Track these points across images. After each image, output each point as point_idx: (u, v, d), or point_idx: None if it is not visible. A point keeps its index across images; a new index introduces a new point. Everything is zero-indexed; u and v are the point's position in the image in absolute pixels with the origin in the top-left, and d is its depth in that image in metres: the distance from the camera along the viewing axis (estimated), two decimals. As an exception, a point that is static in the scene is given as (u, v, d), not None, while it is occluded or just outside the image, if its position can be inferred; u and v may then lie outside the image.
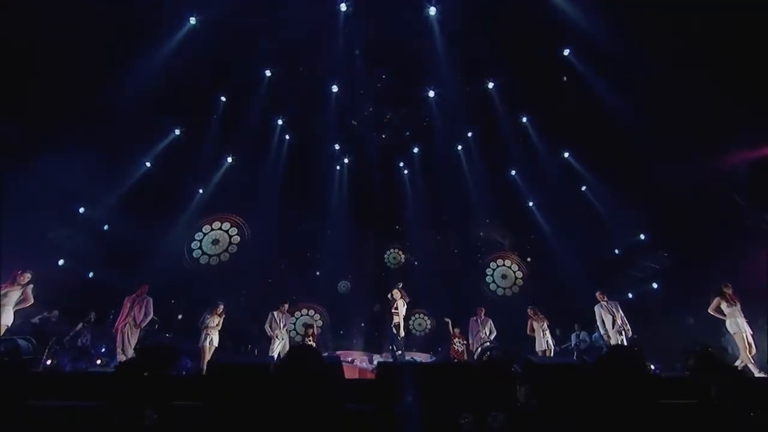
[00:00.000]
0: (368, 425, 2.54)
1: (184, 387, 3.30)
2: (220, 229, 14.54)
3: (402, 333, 7.51)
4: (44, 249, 10.70)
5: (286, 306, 8.49)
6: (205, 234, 14.33)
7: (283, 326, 8.04)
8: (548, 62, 11.12)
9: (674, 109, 10.03)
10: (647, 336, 11.48)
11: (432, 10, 9.35)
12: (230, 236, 14.48)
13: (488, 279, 15.16)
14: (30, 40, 8.22)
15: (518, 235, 15.27)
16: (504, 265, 15.23)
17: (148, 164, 12.41)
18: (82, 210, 11.53)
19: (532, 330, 8.81)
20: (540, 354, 8.43)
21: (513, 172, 14.18)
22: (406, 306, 7.70)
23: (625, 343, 7.59)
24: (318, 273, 14.80)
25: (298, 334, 14.41)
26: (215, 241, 14.31)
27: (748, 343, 6.55)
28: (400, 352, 7.45)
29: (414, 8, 9.40)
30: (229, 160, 13.31)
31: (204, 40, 10.17)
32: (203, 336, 7.51)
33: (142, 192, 12.32)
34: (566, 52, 10.94)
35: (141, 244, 12.46)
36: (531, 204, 14.56)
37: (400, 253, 15.89)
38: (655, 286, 12.35)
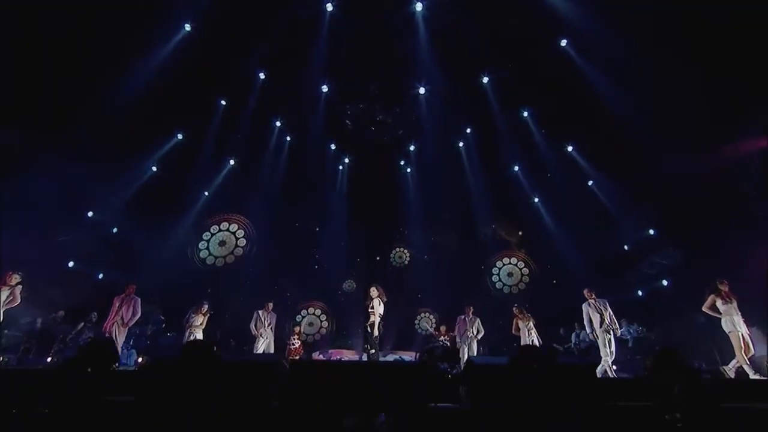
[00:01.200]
0: (271, 421, 2.53)
1: (118, 382, 3.38)
2: (228, 230, 14.80)
3: (377, 332, 7.46)
4: (55, 252, 11.21)
5: (271, 305, 8.58)
6: (213, 234, 14.62)
7: (268, 325, 8.14)
8: (545, 54, 10.86)
9: (675, 101, 9.69)
10: (658, 334, 11.06)
11: (419, 6, 9.26)
12: (237, 238, 14.72)
13: (494, 278, 14.89)
14: (32, 47, 8.55)
15: (524, 232, 14.95)
16: (510, 263, 14.92)
17: (154, 168, 12.79)
18: (90, 214, 11.96)
19: (517, 329, 8.57)
20: (525, 353, 8.19)
21: (516, 168, 13.87)
22: (383, 305, 7.64)
23: (614, 343, 7.28)
24: (323, 273, 14.90)
25: (303, 332, 14.61)
26: (222, 243, 14.59)
27: (745, 343, 6.17)
28: (373, 351, 7.41)
29: (400, 4, 9.33)
30: (231, 162, 13.55)
31: (200, 45, 10.41)
32: (187, 334, 7.70)
33: (148, 195, 12.72)
34: (563, 42, 10.67)
35: (149, 245, 12.85)
36: (537, 200, 14.24)
37: (406, 252, 15.81)
38: (665, 283, 11.84)
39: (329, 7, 9.26)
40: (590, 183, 13.13)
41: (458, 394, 3.36)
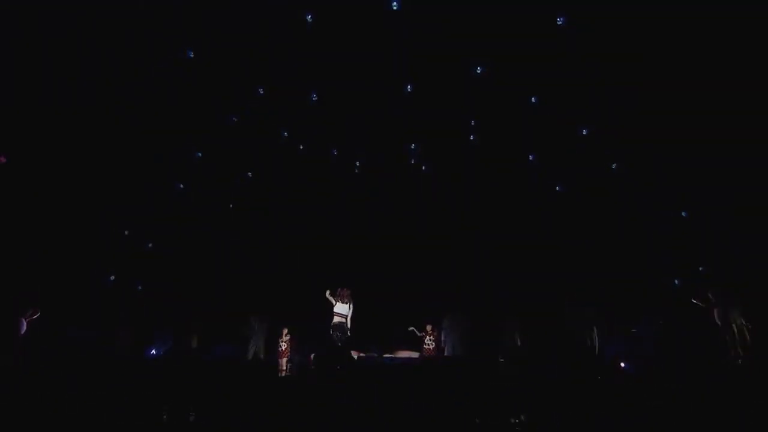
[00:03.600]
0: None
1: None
2: (256, 239, 15.48)
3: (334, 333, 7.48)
4: (97, 267, 12.56)
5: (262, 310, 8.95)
6: (243, 242, 15.35)
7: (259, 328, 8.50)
8: (543, 35, 10.37)
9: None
10: (686, 329, 10.07)
11: (394, 5, 9.23)
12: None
13: (517, 273, 14.25)
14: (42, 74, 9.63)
15: (546, 225, 14.19)
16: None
17: (181, 186, 13.84)
18: (126, 233, 13.21)
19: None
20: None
21: (530, 158, 13.23)
22: (345, 305, 7.63)
23: (596, 340, 6.74)
24: (344, 276, 15.10)
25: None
26: (250, 252, 15.31)
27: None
28: (337, 351, 7.45)
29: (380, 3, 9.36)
30: (249, 174, 14.25)
31: (204, 68, 11.16)
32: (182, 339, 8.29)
33: (178, 211, 13.79)
34: (559, 21, 10.12)
35: (181, 257, 13.89)
36: (557, 189, 13.48)
37: (425, 252, 15.60)
38: (701, 269, 10.72)
39: (309, 18, 9.51)
40: (613, 166, 12.23)
41: (347, 393, 3.41)
